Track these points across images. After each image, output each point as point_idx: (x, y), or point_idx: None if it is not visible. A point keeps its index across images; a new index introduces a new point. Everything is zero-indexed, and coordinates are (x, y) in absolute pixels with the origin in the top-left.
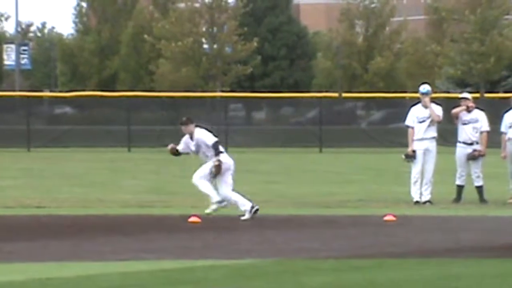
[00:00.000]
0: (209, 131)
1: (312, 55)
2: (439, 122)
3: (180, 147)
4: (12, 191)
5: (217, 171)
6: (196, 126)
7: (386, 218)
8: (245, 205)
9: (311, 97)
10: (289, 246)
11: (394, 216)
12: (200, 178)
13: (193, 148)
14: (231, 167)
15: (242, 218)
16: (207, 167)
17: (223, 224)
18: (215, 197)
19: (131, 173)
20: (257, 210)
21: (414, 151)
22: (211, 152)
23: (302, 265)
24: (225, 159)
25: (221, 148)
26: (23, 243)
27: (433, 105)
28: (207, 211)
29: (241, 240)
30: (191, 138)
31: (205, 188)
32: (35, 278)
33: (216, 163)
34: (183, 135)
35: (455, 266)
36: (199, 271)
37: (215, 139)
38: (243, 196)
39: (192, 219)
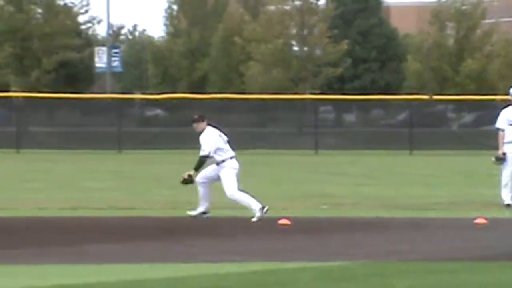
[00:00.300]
0: (224, 133)
1: (402, 57)
2: None
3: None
4: (103, 193)
5: (183, 182)
6: (208, 125)
7: (477, 221)
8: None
9: (401, 100)
10: (378, 248)
11: (485, 219)
12: (237, 191)
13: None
14: (237, 170)
15: (253, 219)
16: (234, 176)
17: (312, 226)
18: (256, 204)
19: None
20: (267, 210)
21: (504, 154)
22: (216, 155)
23: (390, 267)
24: (232, 163)
25: (226, 152)
26: (114, 244)
27: None
28: (254, 219)
29: (330, 243)
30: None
31: (245, 198)
32: (126, 279)
33: (185, 176)
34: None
35: None
36: (287, 273)
37: (207, 151)
38: (252, 196)
39: (282, 221)
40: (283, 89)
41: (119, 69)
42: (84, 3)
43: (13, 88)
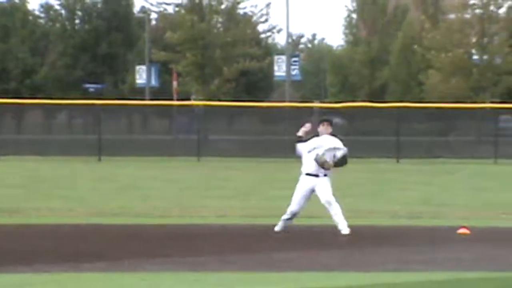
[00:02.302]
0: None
1: None
2: None
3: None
4: (281, 201)
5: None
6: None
7: None
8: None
9: None
10: None
11: None
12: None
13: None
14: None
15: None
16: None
17: (491, 235)
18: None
19: (400, 184)
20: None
21: None
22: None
23: None
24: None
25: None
26: (294, 252)
27: None
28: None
29: (510, 253)
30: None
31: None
32: (306, 287)
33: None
34: None
35: None
36: (468, 283)
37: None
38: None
39: (461, 230)
40: (462, 97)
41: (298, 78)
42: (264, 12)
43: (194, 96)
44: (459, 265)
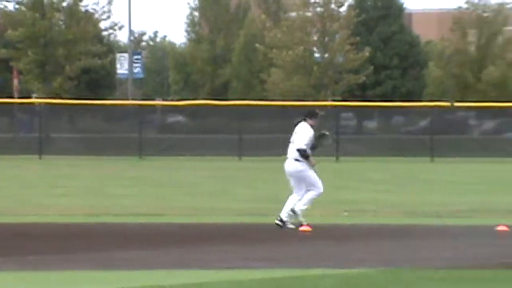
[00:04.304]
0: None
1: (424, 64)
2: None
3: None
4: (124, 199)
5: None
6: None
7: (498, 228)
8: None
9: (423, 106)
10: (400, 255)
11: (507, 226)
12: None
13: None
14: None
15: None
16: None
17: (333, 233)
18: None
19: (243, 182)
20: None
21: None
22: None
23: (413, 275)
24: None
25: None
26: (134, 251)
27: None
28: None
29: (351, 250)
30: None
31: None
32: (146, 285)
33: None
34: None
35: None
36: (309, 280)
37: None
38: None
39: (303, 228)
40: (304, 96)
41: (141, 76)
42: (106, 9)
43: (35, 94)
44: (301, 262)
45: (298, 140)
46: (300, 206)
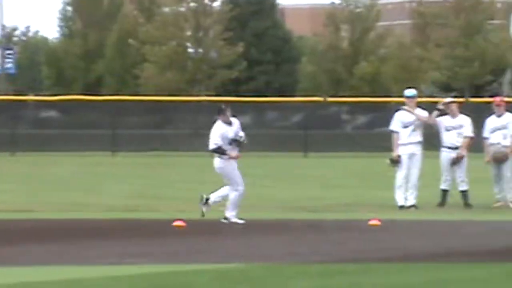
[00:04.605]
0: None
1: (297, 59)
2: (430, 124)
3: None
4: None
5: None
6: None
7: (371, 222)
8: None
9: (296, 102)
10: (276, 250)
11: (379, 220)
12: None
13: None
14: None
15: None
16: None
17: (209, 228)
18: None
19: (116, 178)
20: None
21: (399, 156)
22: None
23: (288, 269)
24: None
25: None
26: (7, 247)
27: (419, 110)
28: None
29: (227, 245)
30: (229, 124)
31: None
32: (20, 281)
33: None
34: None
35: (441, 270)
36: (184, 275)
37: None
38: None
39: (177, 223)
40: (178, 91)
41: (13, 71)
42: None
43: None
44: (176, 257)
45: (210, 141)
46: (214, 198)
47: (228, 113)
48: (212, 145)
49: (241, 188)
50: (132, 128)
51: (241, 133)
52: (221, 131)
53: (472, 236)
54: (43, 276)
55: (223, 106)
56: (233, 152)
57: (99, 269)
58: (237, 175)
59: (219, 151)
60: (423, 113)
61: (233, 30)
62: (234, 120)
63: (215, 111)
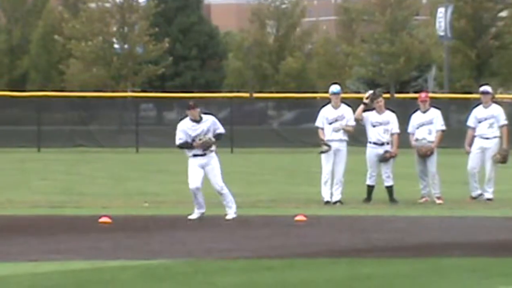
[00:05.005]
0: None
1: (223, 55)
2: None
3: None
4: None
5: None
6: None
7: (296, 218)
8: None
9: (222, 97)
10: (201, 246)
11: (305, 216)
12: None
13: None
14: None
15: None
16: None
17: (134, 224)
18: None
19: (41, 174)
20: None
21: (329, 146)
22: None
23: (213, 265)
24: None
25: None
26: None
27: (344, 106)
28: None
29: (152, 241)
30: (197, 121)
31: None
32: None
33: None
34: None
35: (366, 266)
36: (109, 272)
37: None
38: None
39: (102, 219)
40: (104, 86)
41: None
42: None
43: None
44: (100, 254)
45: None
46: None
47: (196, 110)
48: (177, 141)
49: (190, 185)
50: (57, 124)
51: (208, 136)
52: (183, 128)
53: (396, 231)
54: None
55: (190, 103)
56: (197, 142)
57: (22, 266)
58: (191, 172)
59: (185, 146)
60: (349, 111)
61: (159, 26)
62: (206, 117)
63: (140, 108)
